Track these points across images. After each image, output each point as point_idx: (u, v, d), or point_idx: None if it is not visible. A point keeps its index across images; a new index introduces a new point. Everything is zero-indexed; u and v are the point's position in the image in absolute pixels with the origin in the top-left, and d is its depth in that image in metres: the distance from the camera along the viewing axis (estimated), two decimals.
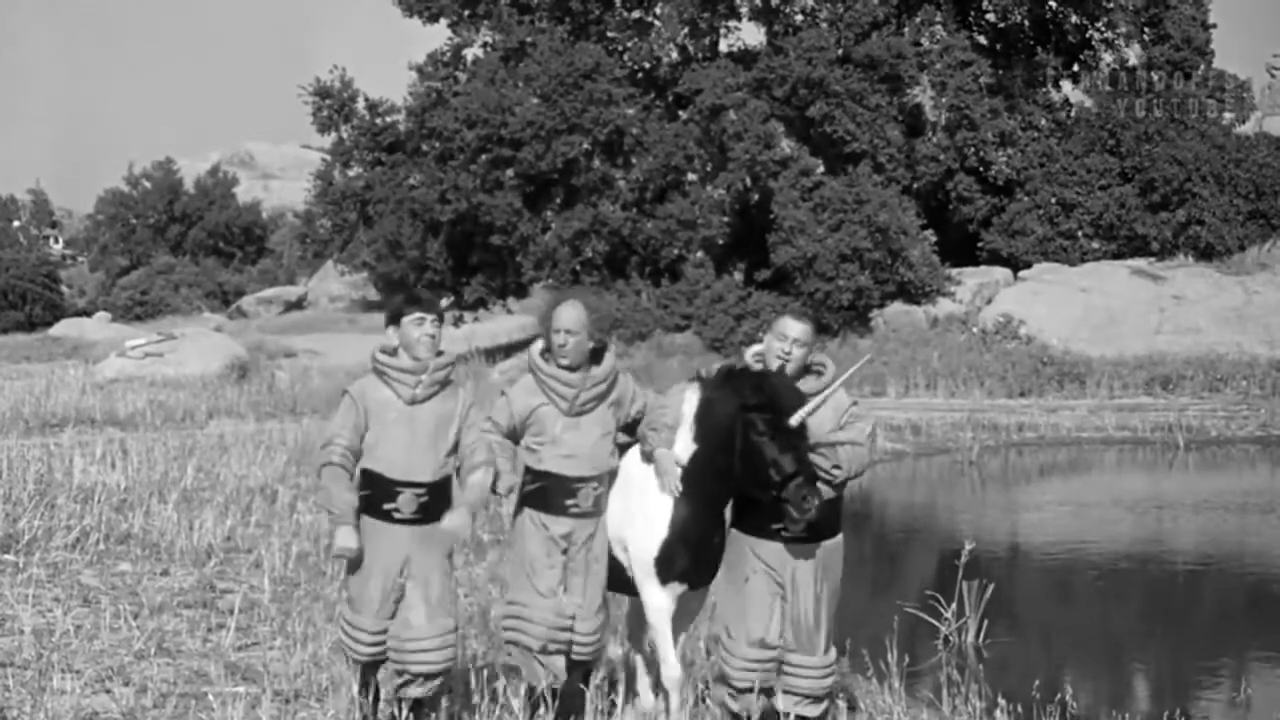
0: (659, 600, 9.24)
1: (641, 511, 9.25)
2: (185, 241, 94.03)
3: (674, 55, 52.92)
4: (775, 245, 47.78)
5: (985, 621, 14.06)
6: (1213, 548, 22.37)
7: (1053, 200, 51.81)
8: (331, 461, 8.99)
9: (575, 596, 9.35)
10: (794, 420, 8.54)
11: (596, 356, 9.50)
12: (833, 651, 9.22)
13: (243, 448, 23.17)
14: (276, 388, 38.43)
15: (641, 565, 9.25)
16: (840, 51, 49.91)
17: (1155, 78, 54.35)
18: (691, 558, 9.14)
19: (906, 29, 51.72)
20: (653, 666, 9.86)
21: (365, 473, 9.07)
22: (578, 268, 50.08)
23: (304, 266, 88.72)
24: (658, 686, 9.76)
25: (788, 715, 9.08)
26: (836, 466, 8.90)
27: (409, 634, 8.97)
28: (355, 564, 9.10)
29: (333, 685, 10.22)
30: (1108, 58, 56.61)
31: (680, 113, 50.91)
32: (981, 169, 52.31)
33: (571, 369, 9.36)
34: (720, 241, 49.40)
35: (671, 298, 48.06)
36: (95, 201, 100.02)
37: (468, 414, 9.24)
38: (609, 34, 52.35)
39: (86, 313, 73.48)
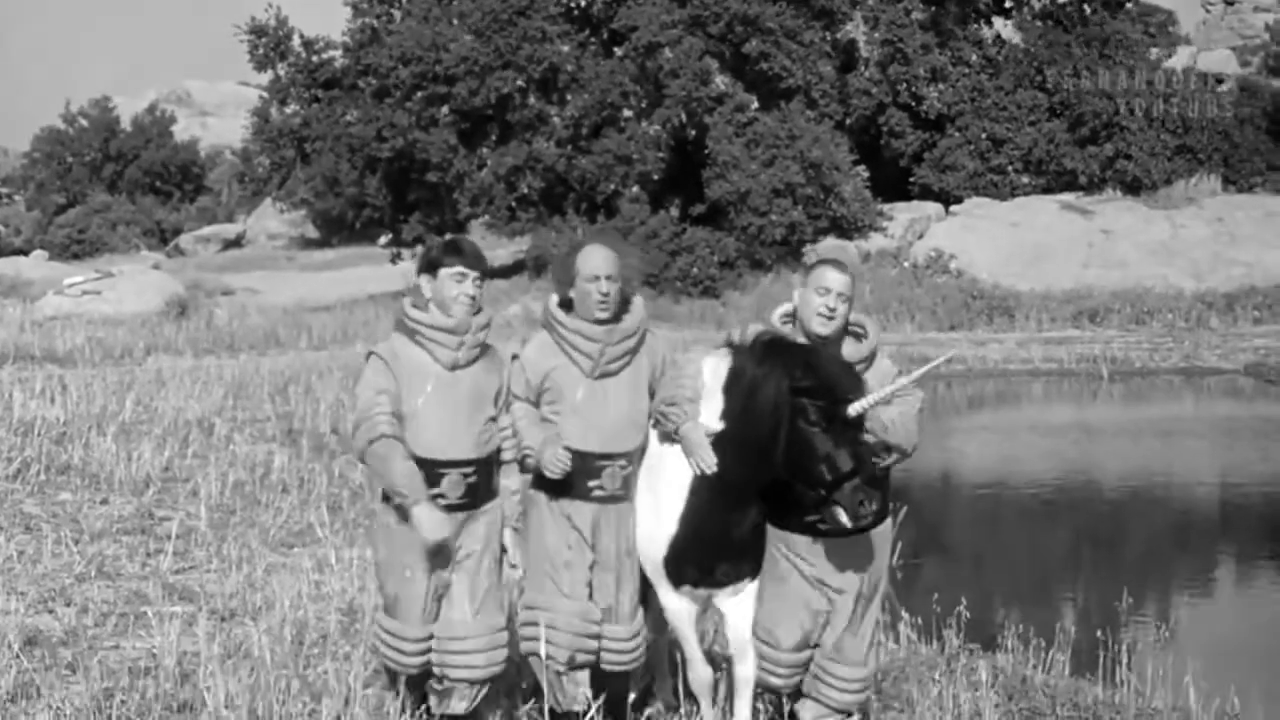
0: (675, 604, 8.14)
1: (651, 497, 8.07)
2: (122, 180, 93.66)
3: None
4: (710, 181, 48.18)
5: (898, 544, 14.55)
6: (1128, 474, 23.10)
7: (983, 135, 52.24)
8: (383, 434, 7.65)
9: (605, 597, 8.11)
10: (854, 410, 7.37)
11: (622, 308, 8.16)
12: (873, 662, 8.16)
13: (180, 382, 23.58)
14: (214, 325, 38.74)
15: (651, 564, 8.12)
16: None
17: (1086, 11, 54.86)
18: (708, 556, 7.95)
19: None
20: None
21: None
22: (513, 204, 50.40)
23: (242, 204, 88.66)
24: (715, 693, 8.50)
25: None
26: (887, 448, 7.69)
27: (450, 633, 7.85)
28: (392, 561, 7.87)
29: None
30: None
31: (615, 49, 51.06)
32: (913, 104, 52.62)
33: (606, 323, 8.03)
34: (656, 177, 49.66)
35: (606, 233, 48.39)
36: (31, 139, 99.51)
37: (509, 384, 8.10)
38: None
39: (23, 251, 73.20)
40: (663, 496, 7.96)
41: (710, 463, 7.63)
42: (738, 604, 8.14)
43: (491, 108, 49.49)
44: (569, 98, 49.95)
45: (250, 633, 9.88)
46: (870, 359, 7.83)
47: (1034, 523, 19.73)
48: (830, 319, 7.70)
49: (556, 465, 7.83)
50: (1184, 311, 43.37)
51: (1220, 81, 56.49)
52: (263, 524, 13.96)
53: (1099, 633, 11.13)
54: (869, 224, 49.52)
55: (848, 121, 52.14)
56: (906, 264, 47.88)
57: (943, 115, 52.63)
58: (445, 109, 49.96)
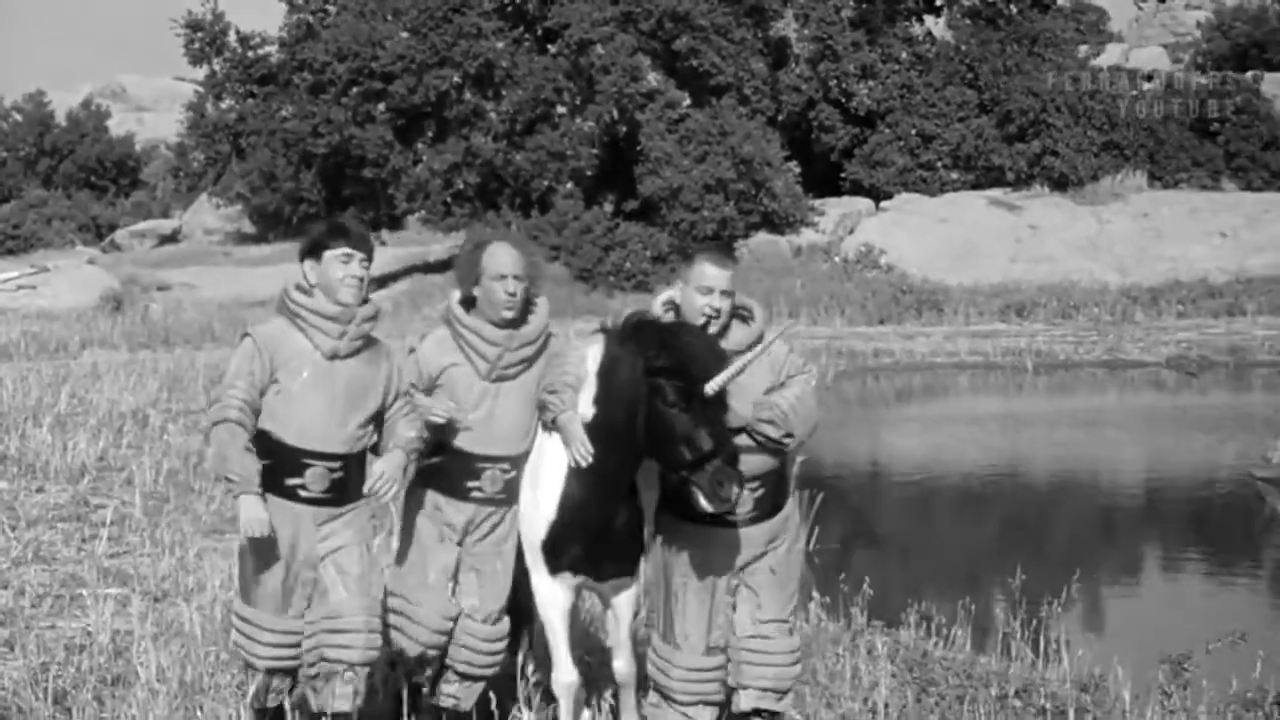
0: (548, 592, 7.90)
1: (530, 486, 7.89)
2: (57, 175, 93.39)
3: None
4: (642, 176, 48.65)
5: (816, 529, 14.92)
6: (1045, 462, 23.71)
7: (913, 132, 52.86)
8: (226, 418, 7.37)
9: (468, 596, 8.00)
10: (710, 388, 7.09)
11: (526, 309, 7.96)
12: (796, 637, 7.97)
13: (115, 375, 23.93)
14: (149, 319, 38.98)
15: (529, 548, 7.91)
16: None
17: (1013, 10, 55.54)
18: (587, 544, 7.72)
19: None
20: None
21: (265, 437, 7.48)
22: (449, 200, 50.68)
23: (178, 199, 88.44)
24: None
25: (752, 713, 7.87)
26: (788, 435, 7.51)
27: (326, 612, 7.58)
28: (254, 548, 7.51)
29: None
30: None
31: (549, 46, 51.41)
32: (844, 101, 53.17)
33: (510, 325, 7.85)
34: (589, 173, 50.02)
35: (541, 228, 48.70)
36: None
37: (397, 380, 7.82)
38: None
39: None
40: (542, 482, 7.76)
41: (585, 454, 7.45)
42: (620, 603, 7.98)
43: (428, 104, 49.79)
44: (504, 94, 50.28)
45: (182, 612, 10.19)
46: (758, 342, 7.55)
47: (952, 509, 20.30)
48: (715, 317, 7.56)
49: (445, 410, 7.71)
50: (1109, 306, 44.02)
51: (1149, 79, 57.30)
52: (195, 511, 14.36)
53: (998, 610, 11.60)
54: (800, 219, 50.02)
55: (779, 118, 52.68)
56: (837, 259, 48.39)
57: (873, 112, 53.21)
58: (381, 105, 50.22)
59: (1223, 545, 17.97)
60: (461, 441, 7.85)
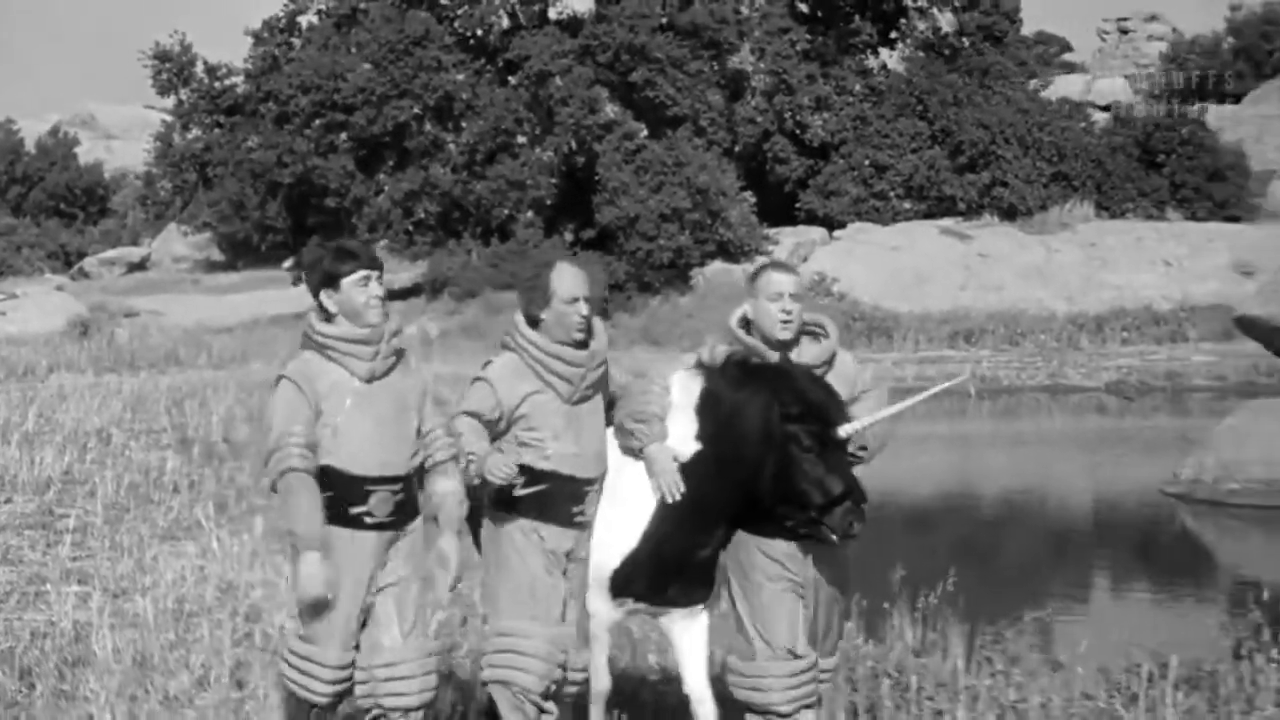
0: (606, 611, 7.83)
1: (606, 510, 7.71)
2: (26, 203, 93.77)
3: (504, 22, 54.57)
4: (600, 206, 49.59)
5: None
6: (975, 480, 24.77)
7: (866, 162, 53.73)
8: (293, 467, 7.14)
9: (570, 625, 7.68)
10: (844, 432, 7.26)
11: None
12: (837, 655, 8.10)
13: (81, 396, 24.82)
14: (116, 344, 39.74)
15: (595, 571, 7.74)
16: (665, 19, 51.65)
17: (965, 43, 56.69)
18: (662, 575, 7.69)
19: None
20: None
21: (324, 471, 7.26)
22: (411, 228, 51.66)
23: (147, 227, 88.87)
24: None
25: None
26: (863, 448, 7.63)
27: (380, 659, 7.37)
28: (311, 603, 7.29)
29: None
30: (921, 25, 58.63)
31: (509, 78, 52.55)
32: (799, 132, 54.08)
33: (581, 346, 7.58)
34: (549, 202, 51.07)
35: (501, 256, 49.60)
36: None
37: (428, 391, 7.66)
38: (440, 1, 53.79)
39: None
40: (623, 509, 7.62)
41: (676, 490, 7.42)
42: (693, 636, 7.93)
43: (389, 135, 50.85)
44: (464, 125, 51.40)
45: (139, 608, 11.04)
46: (831, 359, 7.67)
47: (883, 524, 21.26)
48: (790, 322, 7.52)
49: (502, 471, 7.29)
50: (1056, 332, 45.04)
51: (1106, 109, 58.39)
52: (154, 519, 15.27)
53: (885, 604, 12.43)
54: (755, 248, 50.82)
55: (735, 148, 53.54)
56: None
57: (827, 143, 54.12)
58: (344, 136, 51.28)
59: (1134, 556, 19.10)
60: (562, 466, 7.49)
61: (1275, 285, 22.71)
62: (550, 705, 7.62)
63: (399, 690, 7.33)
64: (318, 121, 51.01)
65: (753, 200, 52.13)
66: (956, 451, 28.09)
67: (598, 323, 7.66)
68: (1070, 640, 10.95)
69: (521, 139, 51.65)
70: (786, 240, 52.16)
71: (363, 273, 7.26)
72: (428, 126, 51.38)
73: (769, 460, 7.21)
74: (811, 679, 7.69)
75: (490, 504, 7.63)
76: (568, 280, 7.50)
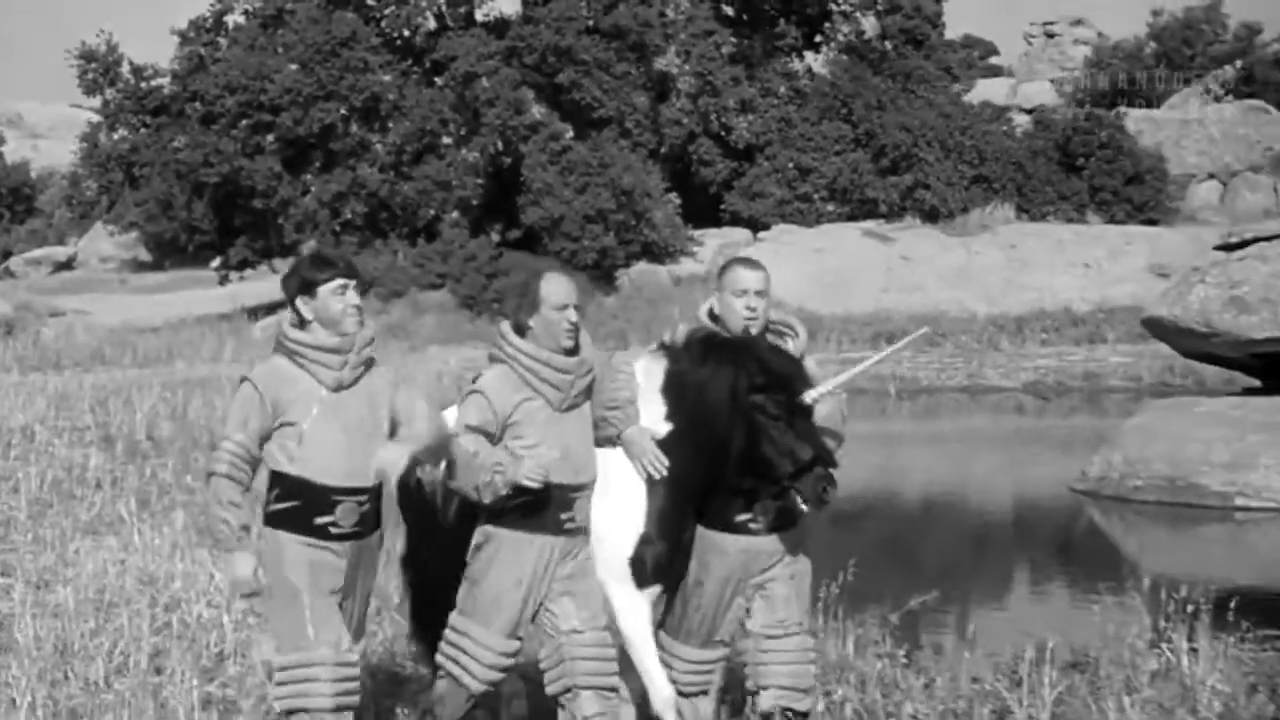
0: (634, 606, 7.86)
1: (601, 503, 7.80)
2: None
3: (430, 24, 54.67)
4: (525, 206, 49.87)
5: None
6: (890, 478, 25.22)
7: (790, 165, 54.14)
8: (215, 472, 7.32)
9: (571, 620, 7.66)
10: (809, 397, 7.45)
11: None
12: (810, 639, 8.20)
13: (5, 394, 24.96)
14: (41, 343, 39.76)
15: (613, 568, 7.82)
16: (590, 22, 51.95)
17: (888, 47, 57.23)
18: (666, 555, 7.81)
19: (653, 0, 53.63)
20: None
21: (288, 480, 7.38)
22: (337, 229, 51.79)
23: (74, 227, 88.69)
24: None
25: (776, 712, 7.93)
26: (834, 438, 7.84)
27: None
28: (287, 590, 7.40)
29: None
30: (845, 29, 59.12)
31: (436, 79, 52.72)
32: (724, 134, 54.48)
33: (571, 353, 7.69)
34: (475, 203, 51.32)
35: (427, 256, 49.81)
36: None
37: (398, 392, 7.70)
38: (367, 2, 53.95)
39: None
40: (617, 499, 7.74)
41: (660, 465, 7.61)
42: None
43: (315, 136, 50.91)
44: (390, 126, 51.55)
45: (60, 598, 11.38)
46: (800, 360, 7.86)
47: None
48: (754, 318, 7.74)
49: (538, 473, 7.35)
50: (977, 334, 45.42)
51: (1033, 112, 59.03)
52: (76, 514, 15.54)
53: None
54: (680, 249, 51.29)
55: (661, 150, 53.88)
56: (715, 288, 49.38)
57: (752, 145, 54.50)
58: (270, 136, 51.33)
59: (1038, 550, 19.61)
60: (551, 474, 7.47)
61: (1180, 287, 23.19)
62: (585, 695, 7.62)
63: (324, 691, 7.35)
64: (244, 122, 50.99)
65: (678, 202, 52.49)
66: (875, 451, 28.50)
67: (584, 333, 7.76)
68: (964, 628, 11.35)
69: (448, 140, 51.88)
70: (711, 242, 52.50)
71: (340, 281, 7.38)
72: (354, 127, 51.51)
73: (737, 432, 7.41)
74: (717, 669, 8.09)
75: (484, 516, 7.68)
76: (556, 288, 7.63)
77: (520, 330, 7.68)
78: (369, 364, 7.54)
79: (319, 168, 51.92)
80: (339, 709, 7.39)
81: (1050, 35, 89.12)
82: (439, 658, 7.83)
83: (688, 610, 7.99)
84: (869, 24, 58.65)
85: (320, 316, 7.37)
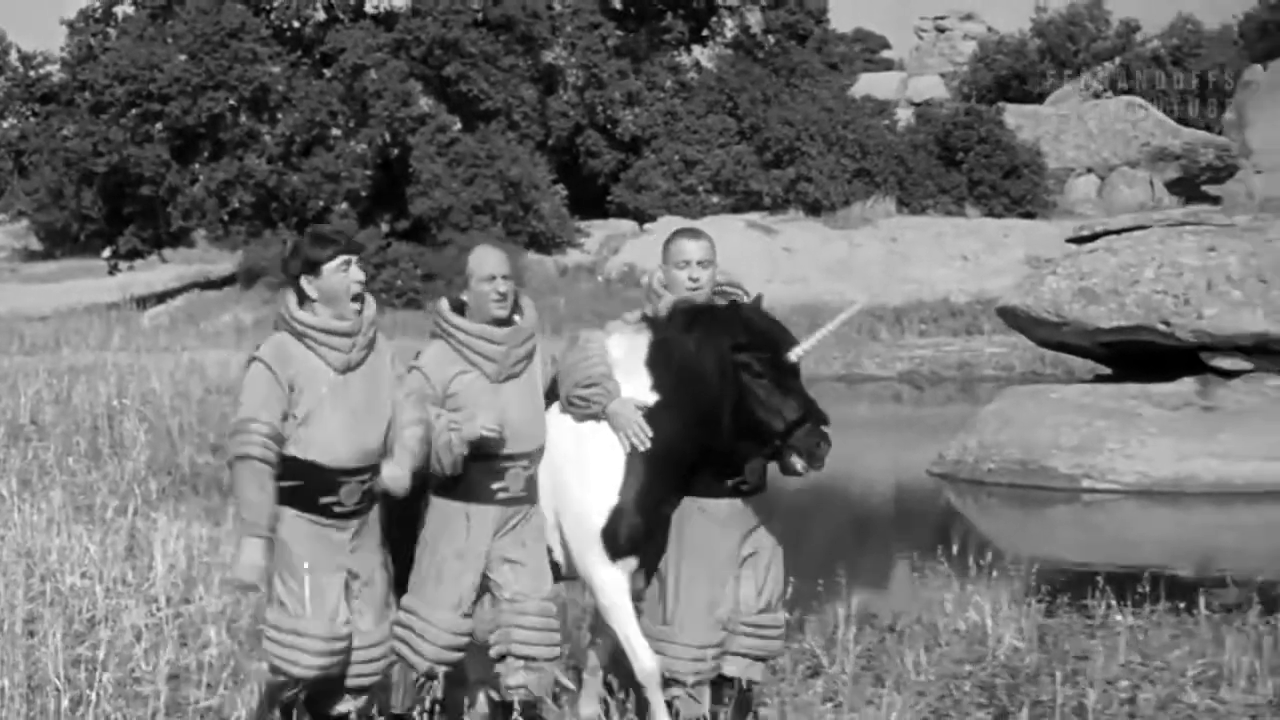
0: (610, 577, 7.76)
1: (579, 477, 7.76)
2: None
3: (320, 15, 55.22)
4: (413, 197, 50.46)
5: None
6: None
7: (676, 157, 54.91)
8: (250, 455, 7.17)
9: (513, 586, 7.68)
10: (795, 354, 7.42)
11: (514, 308, 7.82)
12: (783, 613, 8.30)
13: None
14: None
15: (584, 541, 7.78)
16: (479, 14, 52.55)
17: (772, 41, 58.03)
18: (643, 528, 7.71)
19: None
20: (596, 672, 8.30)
21: (294, 462, 7.28)
22: (226, 218, 52.15)
23: None
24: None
25: (737, 681, 7.99)
26: None
27: (356, 642, 7.45)
28: (290, 565, 7.33)
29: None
30: (731, 23, 59.92)
31: (325, 71, 53.18)
32: (610, 126, 55.25)
33: (503, 324, 7.71)
34: (363, 194, 51.87)
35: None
36: None
37: (394, 366, 7.63)
38: None
39: None
40: (593, 472, 7.69)
41: (645, 436, 7.54)
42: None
43: (204, 125, 51.24)
44: (280, 117, 51.96)
45: None
46: None
47: None
48: (698, 287, 7.71)
49: (489, 427, 7.46)
50: (856, 324, 46.17)
51: (917, 105, 59.98)
52: None
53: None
54: (566, 240, 52.00)
55: (549, 142, 54.54)
56: (600, 278, 49.99)
57: (638, 137, 55.33)
58: (159, 126, 51.55)
59: (892, 530, 20.45)
60: (485, 444, 7.57)
61: (1033, 278, 24.10)
62: (516, 662, 7.69)
63: (366, 671, 7.50)
64: (133, 111, 51.16)
65: (564, 193, 53.19)
66: None
67: (526, 300, 7.86)
68: (804, 598, 12.04)
69: (336, 131, 52.45)
70: (597, 233, 53.24)
71: (343, 258, 7.32)
72: (243, 118, 51.91)
73: (727, 395, 7.35)
74: (717, 655, 7.86)
75: (433, 486, 7.72)
76: (482, 259, 7.70)
77: (458, 306, 7.76)
78: (372, 343, 7.49)
79: (207, 157, 52.26)
80: (322, 678, 7.40)
81: (941, 30, 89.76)
82: (391, 641, 7.71)
83: (682, 590, 7.82)
84: (755, 19, 59.44)
85: (325, 295, 7.31)
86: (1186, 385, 22.50)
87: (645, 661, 7.67)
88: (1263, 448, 20.87)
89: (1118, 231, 23.92)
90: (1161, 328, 21.91)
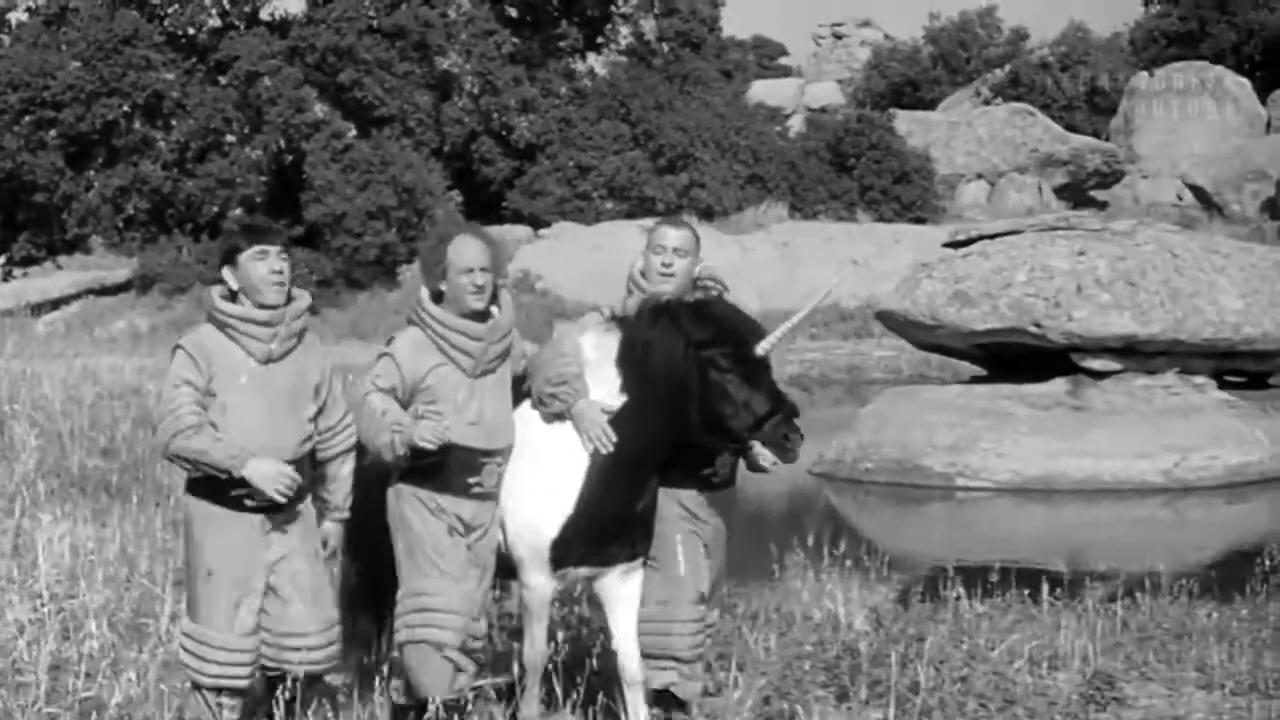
0: (543, 587, 7.87)
1: (534, 480, 7.74)
2: None
3: (214, 22, 55.24)
4: (307, 203, 50.53)
5: None
6: None
7: (570, 163, 55.11)
8: (189, 425, 7.16)
9: (476, 591, 7.74)
10: (762, 348, 7.34)
11: (491, 301, 7.76)
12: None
13: None
14: None
15: (530, 545, 7.79)
16: (373, 22, 52.78)
17: (666, 49, 58.49)
18: (602, 534, 7.73)
19: (435, 1, 54.53)
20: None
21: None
22: (121, 224, 52.15)
23: None
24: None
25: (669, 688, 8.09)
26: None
27: (287, 628, 7.45)
28: (198, 563, 7.40)
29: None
30: (625, 31, 60.34)
31: (220, 78, 53.27)
32: (505, 133, 55.33)
33: (479, 318, 7.67)
34: (258, 199, 51.97)
35: (211, 253, 49.76)
36: None
37: (330, 378, 7.66)
38: (150, 0, 54.30)
39: None
40: (553, 476, 7.69)
41: (609, 440, 7.52)
42: (627, 591, 8.01)
43: (98, 132, 51.24)
44: (174, 123, 52.04)
45: None
46: None
47: None
48: (671, 274, 7.81)
49: (435, 435, 7.42)
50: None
51: (825, 111, 60.52)
52: None
53: None
54: None
55: (444, 149, 54.62)
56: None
57: (532, 144, 55.44)
58: (53, 132, 51.48)
59: (770, 527, 20.88)
60: (462, 438, 7.55)
61: (910, 281, 24.67)
62: (468, 662, 7.72)
63: (307, 659, 7.48)
64: (27, 118, 51.11)
65: (460, 199, 53.49)
66: None
67: (505, 295, 7.83)
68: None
69: (231, 138, 52.55)
70: None
71: (259, 247, 7.30)
72: (137, 124, 51.94)
73: (693, 391, 7.33)
74: (709, 628, 8.26)
75: (394, 476, 7.72)
76: (461, 250, 7.62)
77: (436, 297, 7.72)
78: (300, 335, 7.49)
79: (102, 164, 52.19)
80: (224, 689, 7.43)
81: (838, 36, 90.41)
82: (402, 634, 7.72)
83: (675, 571, 8.00)
84: (649, 26, 59.82)
85: (243, 284, 7.33)
86: (1058, 386, 23.15)
87: (539, 646, 7.93)
88: (1130, 446, 21.57)
89: (992, 236, 24.56)
90: (1033, 330, 22.53)
